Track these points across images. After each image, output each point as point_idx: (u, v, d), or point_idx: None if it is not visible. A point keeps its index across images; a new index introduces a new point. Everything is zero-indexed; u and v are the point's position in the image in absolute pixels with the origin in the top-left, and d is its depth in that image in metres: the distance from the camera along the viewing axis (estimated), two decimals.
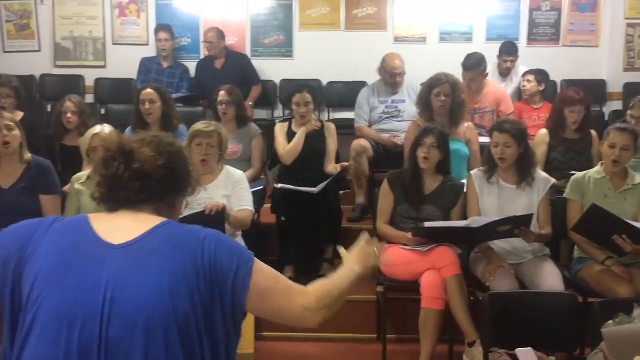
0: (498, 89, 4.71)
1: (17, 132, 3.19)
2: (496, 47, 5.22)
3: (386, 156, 4.42)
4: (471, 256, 3.28)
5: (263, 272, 1.39)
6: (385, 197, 3.36)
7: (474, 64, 4.42)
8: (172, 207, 1.47)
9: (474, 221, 3.00)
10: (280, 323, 1.47)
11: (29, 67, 5.75)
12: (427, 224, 3.02)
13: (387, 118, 4.56)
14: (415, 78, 4.75)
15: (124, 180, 1.36)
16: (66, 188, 3.51)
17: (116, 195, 1.38)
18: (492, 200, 3.19)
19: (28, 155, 3.27)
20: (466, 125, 3.95)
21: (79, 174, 3.41)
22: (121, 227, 1.34)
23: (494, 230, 2.94)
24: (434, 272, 2.97)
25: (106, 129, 3.28)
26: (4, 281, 1.32)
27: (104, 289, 1.25)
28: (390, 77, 4.52)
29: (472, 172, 3.32)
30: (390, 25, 5.79)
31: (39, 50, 5.93)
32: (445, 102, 3.82)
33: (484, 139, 3.84)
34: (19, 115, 3.95)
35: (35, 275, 1.28)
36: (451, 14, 5.77)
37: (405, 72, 4.59)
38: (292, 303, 1.40)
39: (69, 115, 4.09)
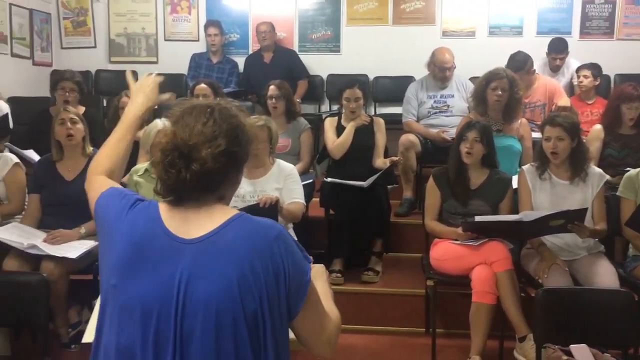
0: (549, 82, 4.65)
1: (80, 126, 3.33)
2: (547, 41, 5.13)
3: (434, 151, 4.42)
4: (522, 252, 3.26)
5: (313, 294, 1.40)
6: (432, 194, 3.36)
7: (518, 66, 4.39)
8: (234, 183, 1.46)
9: (525, 215, 2.98)
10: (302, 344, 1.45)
11: (85, 63, 5.96)
12: (478, 218, 3.01)
13: (435, 113, 4.56)
14: (463, 73, 4.74)
15: (187, 182, 1.34)
16: (124, 179, 3.64)
17: (179, 194, 1.38)
18: (545, 196, 3.16)
19: (90, 148, 3.41)
20: (520, 121, 3.91)
21: (137, 166, 3.53)
22: (191, 222, 1.36)
23: (546, 224, 2.92)
24: (485, 267, 2.97)
25: (166, 123, 3.38)
26: (102, 231, 1.43)
27: (177, 283, 1.29)
28: (440, 72, 4.51)
29: (523, 167, 3.29)
30: (438, 19, 5.77)
31: (94, 47, 6.15)
32: (501, 97, 3.78)
33: (536, 135, 3.80)
34: (81, 109, 4.10)
35: (112, 264, 1.35)
36: (501, 7, 5.71)
37: (455, 67, 4.56)
38: (323, 334, 1.42)
39: (125, 109, 4.21)
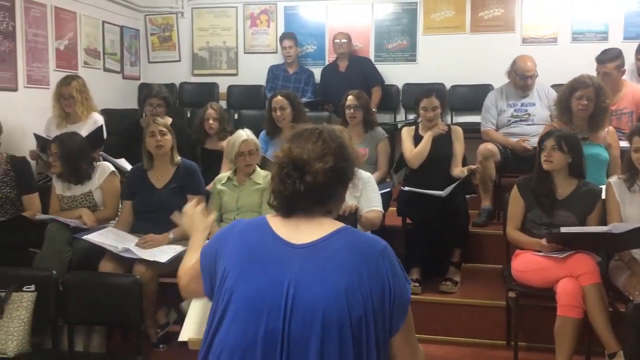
0: (637, 89, 4.45)
1: (168, 137, 3.51)
2: (635, 46, 4.92)
3: (514, 160, 4.33)
4: (611, 264, 3.15)
5: (410, 317, 1.47)
6: (516, 203, 3.30)
7: (610, 57, 4.21)
8: (341, 200, 1.56)
9: (615, 227, 2.87)
10: None
11: (170, 76, 6.25)
12: (564, 229, 2.93)
13: (515, 122, 4.47)
14: (545, 80, 4.62)
15: (300, 193, 1.44)
16: (209, 187, 3.79)
17: (293, 205, 1.47)
18: (634, 209, 3.03)
19: (178, 158, 3.58)
20: (607, 129, 3.78)
21: (220, 175, 3.67)
22: (301, 230, 1.45)
23: (637, 237, 2.81)
24: (571, 280, 2.88)
25: (249, 134, 3.51)
26: (210, 273, 1.50)
27: (287, 285, 1.36)
28: (521, 80, 4.43)
29: (610, 180, 3.17)
30: (518, 26, 5.66)
31: (179, 60, 6.44)
32: (587, 106, 3.66)
33: (623, 143, 3.66)
34: (168, 120, 4.31)
35: (225, 268, 1.43)
36: (585, 11, 5.53)
37: (537, 75, 4.46)
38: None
39: (210, 121, 4.40)
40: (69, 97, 4.25)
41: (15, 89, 4.56)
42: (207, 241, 1.58)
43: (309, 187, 1.43)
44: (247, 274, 1.40)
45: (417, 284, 3.61)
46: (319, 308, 1.34)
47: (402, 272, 1.46)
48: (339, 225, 1.47)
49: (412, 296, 3.19)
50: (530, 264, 3.09)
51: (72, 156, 3.52)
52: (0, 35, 4.37)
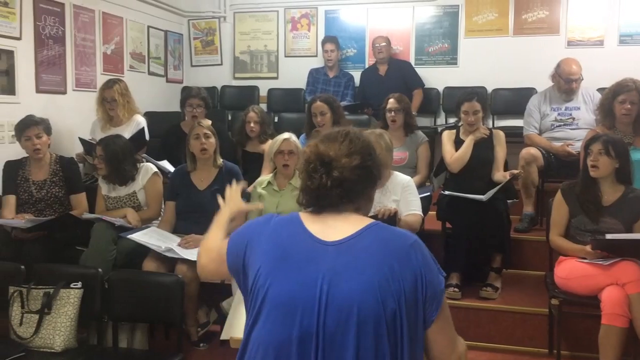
0: None
1: (212, 140, 3.57)
2: None
3: (558, 165, 4.25)
4: None
5: (446, 309, 1.47)
6: (559, 209, 3.24)
7: None
8: (369, 199, 1.57)
9: None
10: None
11: (211, 79, 6.35)
12: (609, 236, 2.87)
13: (559, 126, 4.39)
14: (590, 84, 4.52)
15: (328, 188, 1.47)
16: (249, 189, 3.83)
17: (321, 201, 1.50)
18: None
19: (220, 160, 3.64)
20: None
21: (261, 179, 3.71)
22: (332, 227, 1.47)
23: None
24: (616, 288, 2.81)
25: (293, 136, 3.54)
26: (237, 269, 1.53)
27: (320, 282, 1.38)
28: (566, 83, 4.34)
29: None
30: (563, 29, 5.54)
31: (220, 64, 6.54)
32: (630, 110, 3.58)
33: None
34: (208, 122, 4.38)
35: (258, 265, 1.45)
36: (633, 13, 5.37)
37: (582, 78, 4.37)
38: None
39: (251, 124, 4.46)
40: (112, 100, 4.36)
41: (64, 92, 4.71)
42: (238, 229, 1.59)
43: (335, 181, 1.45)
44: (281, 272, 1.42)
45: (456, 289, 3.58)
46: (353, 304, 1.35)
47: (435, 263, 1.46)
48: (369, 221, 1.49)
49: (452, 301, 3.19)
50: (574, 271, 3.03)
51: (116, 158, 3.62)
52: (50, 40, 4.52)
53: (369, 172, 1.51)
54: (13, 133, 3.81)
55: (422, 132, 4.42)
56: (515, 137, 4.56)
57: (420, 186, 4.04)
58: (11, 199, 3.60)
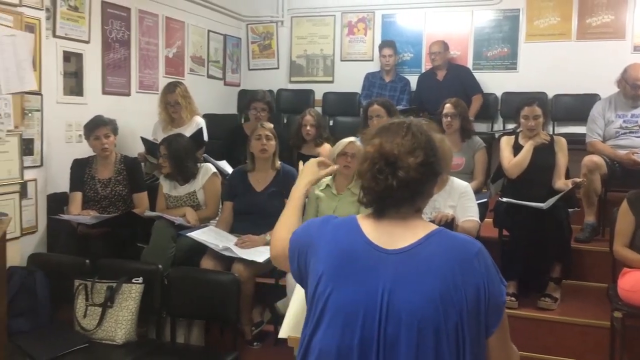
0: None
1: (273, 142, 3.63)
2: None
3: (623, 174, 4.12)
4: None
5: (505, 320, 1.42)
6: (625, 218, 3.14)
7: None
8: (429, 195, 1.51)
9: None
10: None
11: (268, 83, 6.42)
12: None
13: (624, 133, 4.24)
14: None
15: (393, 189, 1.41)
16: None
17: (385, 202, 1.45)
18: None
19: (278, 163, 3.69)
20: None
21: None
22: (392, 234, 1.43)
23: None
24: None
25: (358, 140, 3.54)
26: (300, 272, 1.53)
27: (381, 291, 1.36)
28: (633, 89, 4.19)
29: None
30: (629, 33, 5.35)
31: (277, 68, 6.62)
32: None
33: None
34: (270, 125, 4.45)
35: (319, 271, 1.44)
36: None
37: None
38: None
39: (308, 127, 4.50)
40: (175, 103, 4.49)
41: (128, 94, 4.87)
42: (297, 230, 1.57)
43: (401, 182, 1.40)
44: (342, 279, 1.40)
45: (513, 299, 3.51)
46: (415, 315, 1.33)
47: (498, 273, 1.41)
48: (431, 227, 1.44)
49: (508, 310, 3.11)
50: (638, 282, 2.92)
51: (179, 156, 3.72)
52: (117, 43, 4.69)
53: (432, 168, 1.44)
54: (81, 133, 3.97)
55: (480, 138, 4.36)
56: (577, 145, 4.43)
57: (477, 192, 3.97)
58: (78, 196, 3.75)
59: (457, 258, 1.37)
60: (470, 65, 5.84)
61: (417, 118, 1.56)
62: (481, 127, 5.59)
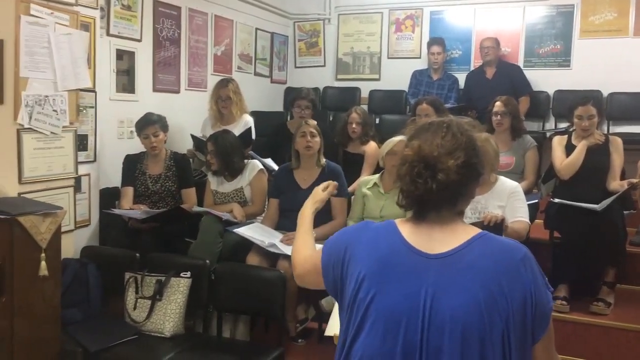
0: None
1: (317, 139, 3.64)
2: None
3: None
4: None
5: (551, 328, 1.38)
6: None
7: None
8: (471, 197, 1.47)
9: None
10: None
11: (314, 81, 6.45)
12: None
13: None
14: None
15: (433, 192, 1.38)
16: (351, 188, 3.86)
17: (424, 205, 1.42)
18: None
19: (323, 160, 3.69)
20: None
21: (366, 178, 3.72)
22: (434, 238, 1.39)
23: None
24: None
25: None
26: (335, 280, 1.49)
27: (424, 296, 1.33)
28: None
29: None
30: None
31: (323, 65, 6.63)
32: None
33: None
34: (314, 122, 4.45)
35: (359, 277, 1.40)
36: None
37: None
38: None
39: (353, 125, 4.49)
40: (226, 98, 4.55)
41: (177, 92, 4.96)
42: (332, 237, 1.55)
43: (441, 185, 1.36)
44: (383, 285, 1.37)
45: (564, 302, 3.41)
46: (458, 321, 1.29)
47: (543, 279, 1.37)
48: (474, 231, 1.40)
49: (559, 314, 3.05)
50: None
51: (226, 152, 3.77)
52: (167, 41, 4.79)
53: (474, 169, 1.40)
54: (132, 129, 4.06)
55: (531, 137, 4.25)
56: (634, 145, 4.31)
57: (527, 193, 3.88)
58: (129, 191, 3.84)
59: (502, 263, 1.33)
60: (521, 62, 5.72)
61: (459, 117, 1.53)
62: (532, 126, 5.47)
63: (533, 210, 3.70)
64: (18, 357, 2.60)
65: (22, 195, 2.97)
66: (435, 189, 1.37)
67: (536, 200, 3.81)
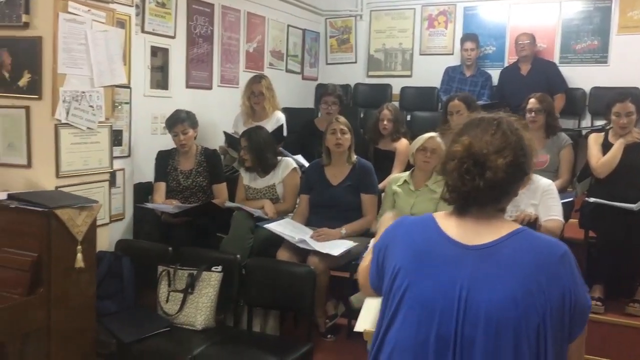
0: None
1: (348, 136, 3.63)
2: None
3: None
4: None
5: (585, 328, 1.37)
6: None
7: None
8: (514, 195, 1.46)
9: None
10: None
11: (345, 77, 6.44)
12: None
13: None
14: None
15: (480, 189, 1.38)
16: (381, 185, 3.85)
17: (470, 201, 1.42)
18: None
19: (354, 157, 3.68)
20: None
21: (397, 175, 3.71)
22: (472, 230, 1.40)
23: None
24: None
25: (439, 137, 3.48)
26: (378, 268, 1.53)
27: (459, 287, 1.33)
28: None
29: None
30: None
31: (354, 62, 6.61)
32: None
33: None
34: (345, 119, 4.45)
35: (396, 267, 1.43)
36: None
37: None
38: None
39: (384, 121, 4.47)
40: (259, 94, 4.57)
41: (210, 88, 5.01)
42: (377, 239, 1.59)
43: (488, 183, 1.36)
44: (418, 275, 1.38)
45: (599, 303, 3.35)
46: (494, 314, 1.29)
47: (582, 278, 1.36)
48: (514, 226, 1.40)
49: (594, 315, 2.99)
50: None
51: (259, 147, 3.80)
52: (200, 38, 4.84)
53: (521, 169, 1.41)
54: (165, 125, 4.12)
55: (566, 135, 4.18)
56: None
57: (562, 191, 3.82)
58: (161, 186, 3.90)
59: (541, 259, 1.32)
60: (557, 59, 5.61)
61: (507, 114, 1.51)
62: (567, 123, 5.35)
63: (568, 209, 3.64)
64: (55, 346, 2.67)
65: (59, 188, 3.04)
66: (483, 187, 1.37)
67: (571, 199, 3.73)
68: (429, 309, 1.35)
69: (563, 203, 3.37)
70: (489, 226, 1.40)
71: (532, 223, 2.94)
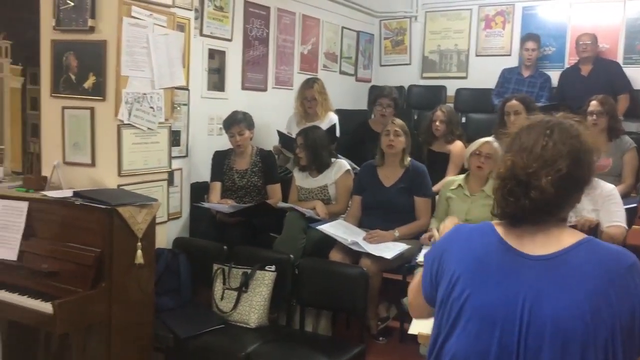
0: None
1: (402, 138, 3.62)
2: None
3: None
4: None
5: None
6: None
7: None
8: (575, 202, 1.40)
9: None
10: None
11: (399, 79, 6.39)
12: None
13: None
14: None
15: (525, 209, 1.33)
16: (436, 188, 3.81)
17: (518, 219, 1.37)
18: None
19: (408, 160, 3.66)
20: None
21: (450, 179, 3.66)
22: (534, 240, 1.35)
23: None
24: None
25: (495, 141, 3.42)
26: (432, 277, 1.49)
27: (522, 298, 1.29)
28: None
29: None
30: None
31: (409, 64, 6.57)
32: None
33: None
34: (401, 122, 4.42)
35: (454, 276, 1.39)
36: None
37: None
38: None
39: (437, 123, 4.42)
40: (312, 99, 4.60)
41: (264, 90, 5.08)
42: (430, 248, 1.55)
43: (535, 202, 1.31)
44: (479, 284, 1.35)
45: None
46: (560, 327, 1.25)
47: None
48: (579, 236, 1.34)
49: None
50: None
51: (315, 145, 3.85)
52: (256, 41, 4.91)
53: (576, 181, 1.33)
54: (221, 126, 4.20)
55: (630, 138, 4.03)
56: None
57: (625, 196, 3.69)
58: (217, 185, 3.98)
59: (609, 271, 1.27)
60: (620, 59, 5.41)
61: (565, 115, 1.44)
62: (631, 126, 5.15)
63: (631, 215, 3.50)
64: (115, 340, 2.76)
65: (120, 187, 3.15)
66: (529, 206, 1.33)
67: (635, 205, 3.60)
68: (489, 320, 1.31)
69: (626, 209, 3.25)
70: (551, 236, 1.34)
71: (593, 229, 2.85)
